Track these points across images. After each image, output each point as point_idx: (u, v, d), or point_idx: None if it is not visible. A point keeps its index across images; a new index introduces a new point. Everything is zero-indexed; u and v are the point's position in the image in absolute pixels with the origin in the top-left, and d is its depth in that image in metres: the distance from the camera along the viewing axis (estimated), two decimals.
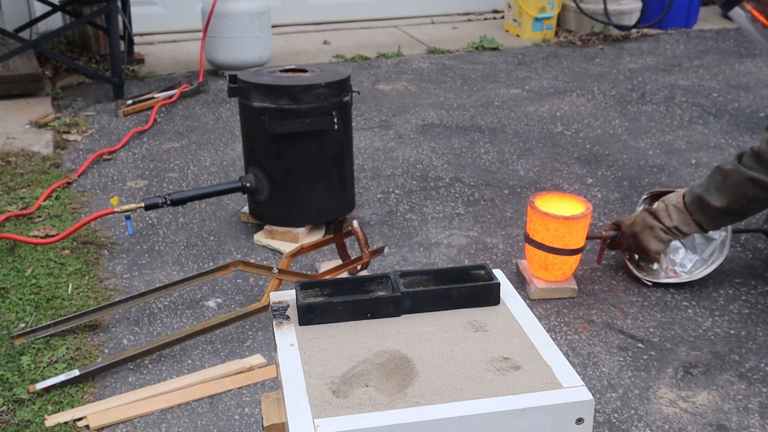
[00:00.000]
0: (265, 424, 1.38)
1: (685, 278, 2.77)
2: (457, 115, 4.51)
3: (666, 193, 2.91)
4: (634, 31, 6.38)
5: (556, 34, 6.35)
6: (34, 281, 2.77)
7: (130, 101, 4.56)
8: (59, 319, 2.49)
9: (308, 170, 2.98)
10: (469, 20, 6.98)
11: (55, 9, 5.06)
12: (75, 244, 3.03)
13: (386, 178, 3.66)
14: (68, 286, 2.75)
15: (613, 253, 3.00)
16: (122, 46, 5.06)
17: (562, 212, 2.66)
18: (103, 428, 2.11)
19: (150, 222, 3.25)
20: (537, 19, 6.23)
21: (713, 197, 2.60)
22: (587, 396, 1.17)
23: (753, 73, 5.29)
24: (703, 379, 2.32)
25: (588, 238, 2.72)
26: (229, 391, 2.26)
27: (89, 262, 2.92)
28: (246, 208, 3.22)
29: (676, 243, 2.89)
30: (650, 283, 2.77)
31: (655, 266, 2.84)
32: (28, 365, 2.33)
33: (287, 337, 1.32)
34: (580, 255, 2.69)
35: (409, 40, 6.25)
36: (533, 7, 6.20)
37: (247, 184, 3.03)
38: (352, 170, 3.13)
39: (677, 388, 2.28)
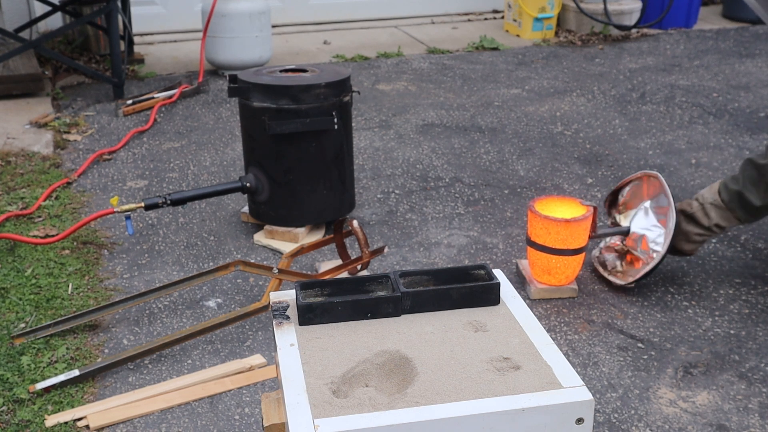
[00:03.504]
0: (265, 424, 1.38)
1: (657, 257, 2.65)
2: (457, 115, 4.51)
3: (619, 189, 2.88)
4: (634, 31, 6.38)
5: (556, 34, 6.35)
6: (34, 281, 2.77)
7: (130, 101, 4.56)
8: (59, 319, 2.49)
9: (308, 170, 2.98)
10: (469, 20, 6.98)
11: (55, 9, 5.06)
12: (75, 244, 3.03)
13: (386, 178, 3.66)
14: (68, 286, 2.75)
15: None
16: (122, 46, 5.07)
17: (563, 215, 2.67)
18: (103, 428, 2.11)
19: (150, 222, 3.25)
20: (537, 19, 6.23)
21: (752, 194, 2.58)
22: (587, 396, 1.17)
23: (753, 73, 5.29)
24: (703, 379, 2.32)
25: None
26: (229, 391, 2.26)
27: (89, 262, 2.92)
28: (246, 208, 3.22)
29: (642, 226, 2.76)
30: (633, 285, 2.72)
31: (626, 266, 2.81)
32: (28, 365, 2.33)
33: (287, 337, 1.32)
34: (583, 255, 2.69)
35: (409, 40, 6.25)
36: (533, 7, 6.20)
37: (247, 184, 3.03)
38: (352, 170, 3.13)
39: (677, 388, 2.28)
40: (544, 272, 2.69)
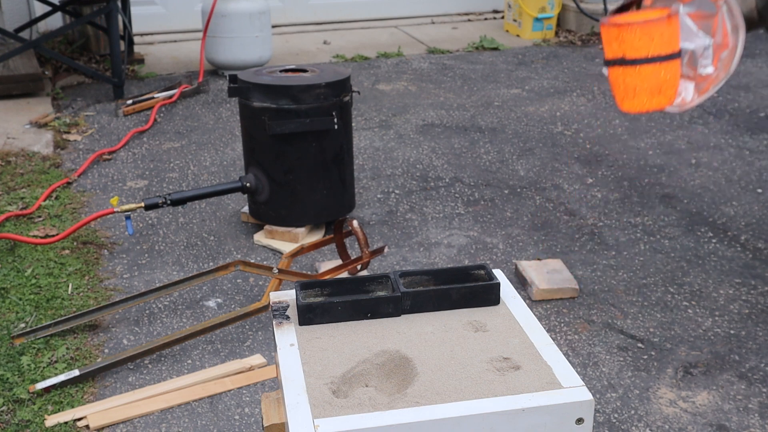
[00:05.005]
0: (265, 424, 1.38)
1: (723, 78, 2.24)
2: (457, 115, 4.51)
3: None
4: None
5: (556, 34, 6.35)
6: (34, 281, 2.77)
7: (130, 101, 4.56)
8: (59, 319, 2.49)
9: (308, 170, 2.98)
10: (469, 20, 6.98)
11: (55, 9, 5.06)
12: (75, 244, 3.03)
13: (386, 178, 3.66)
14: (68, 286, 2.75)
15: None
16: (122, 46, 5.06)
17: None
18: (103, 428, 2.11)
19: (150, 222, 3.25)
20: (537, 19, 6.23)
21: None
22: (587, 396, 1.17)
23: (753, 73, 5.29)
24: (703, 379, 2.32)
25: None
26: (229, 391, 2.26)
27: (89, 262, 2.92)
28: (246, 208, 3.22)
29: (684, 38, 2.27)
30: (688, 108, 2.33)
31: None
32: (28, 365, 2.33)
33: (287, 337, 1.32)
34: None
35: (409, 40, 6.25)
36: (533, 7, 6.20)
37: (247, 184, 3.03)
38: (352, 170, 3.13)
39: (677, 388, 2.28)
40: (653, 93, 2.18)
